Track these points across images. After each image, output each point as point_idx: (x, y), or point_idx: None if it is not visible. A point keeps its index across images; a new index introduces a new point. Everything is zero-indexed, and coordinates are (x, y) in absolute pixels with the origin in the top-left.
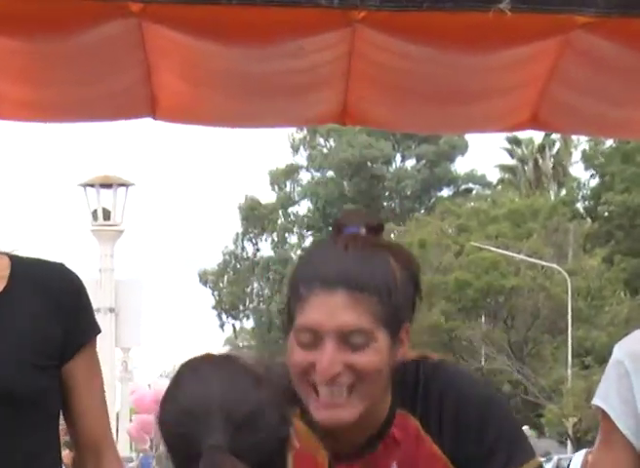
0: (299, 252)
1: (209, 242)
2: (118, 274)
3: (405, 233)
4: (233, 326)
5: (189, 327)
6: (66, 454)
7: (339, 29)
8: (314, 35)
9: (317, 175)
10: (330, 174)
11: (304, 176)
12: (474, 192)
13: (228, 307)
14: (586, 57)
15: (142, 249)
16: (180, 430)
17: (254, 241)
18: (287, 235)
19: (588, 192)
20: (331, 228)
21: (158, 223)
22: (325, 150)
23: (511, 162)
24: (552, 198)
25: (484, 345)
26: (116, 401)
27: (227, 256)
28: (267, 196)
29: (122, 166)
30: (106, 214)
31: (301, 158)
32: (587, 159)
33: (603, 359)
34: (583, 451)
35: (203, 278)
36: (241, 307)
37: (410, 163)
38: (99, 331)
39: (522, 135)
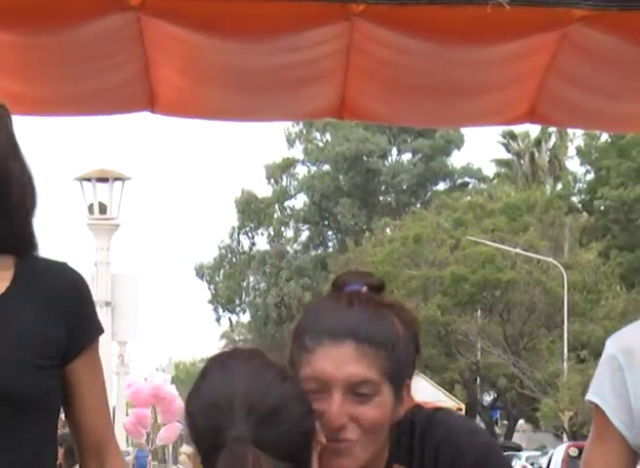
0: (295, 245)
1: (205, 236)
2: (114, 268)
3: (401, 227)
4: (230, 319)
5: (186, 320)
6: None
7: (337, 23)
8: (313, 29)
9: (313, 168)
10: (326, 167)
11: (301, 170)
12: (470, 186)
13: (225, 301)
14: (584, 50)
15: (139, 243)
16: (204, 422)
17: (250, 235)
18: (283, 229)
19: (584, 186)
20: (331, 286)
21: (154, 217)
22: (321, 144)
23: (507, 156)
24: (548, 192)
25: (480, 339)
26: (112, 395)
27: (224, 250)
28: (263, 190)
29: (118, 160)
30: (102, 208)
31: (297, 152)
32: (582, 155)
33: (599, 353)
34: (564, 446)
35: (199, 272)
36: (237, 301)
37: (406, 157)
38: (102, 332)
39: (518, 128)
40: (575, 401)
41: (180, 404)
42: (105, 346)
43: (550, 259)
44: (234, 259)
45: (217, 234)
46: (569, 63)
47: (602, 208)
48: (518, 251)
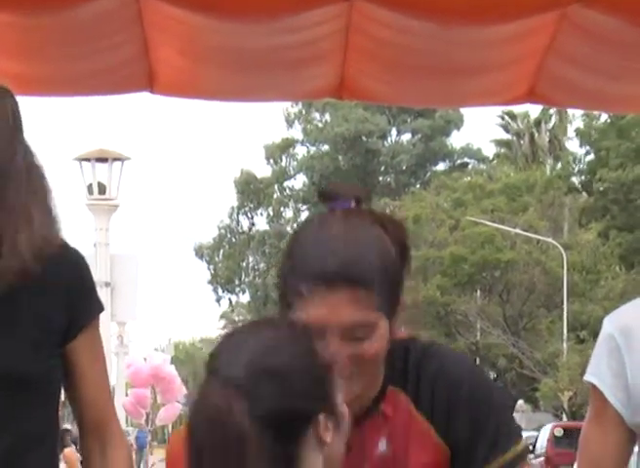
0: (294, 225)
1: (204, 216)
2: (113, 248)
3: (400, 208)
4: (229, 300)
5: (185, 301)
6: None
7: (336, 3)
8: (312, 9)
9: (313, 149)
10: (325, 148)
11: (300, 151)
12: (470, 166)
13: (224, 281)
14: (584, 31)
15: (138, 223)
16: (208, 363)
17: (249, 215)
18: (282, 209)
19: (584, 166)
20: (319, 198)
21: (154, 197)
22: (320, 124)
23: (507, 136)
24: (548, 172)
25: (479, 319)
26: (112, 375)
27: (223, 230)
28: (263, 170)
29: (118, 140)
30: (102, 189)
31: (297, 132)
32: (582, 135)
33: (598, 333)
34: (549, 426)
35: (199, 252)
36: (237, 281)
37: (405, 137)
38: (102, 309)
39: (518, 109)
40: (574, 381)
41: (179, 384)
42: (105, 327)
43: (550, 240)
44: (234, 240)
45: (216, 214)
46: (568, 44)
47: (601, 188)
48: (518, 231)
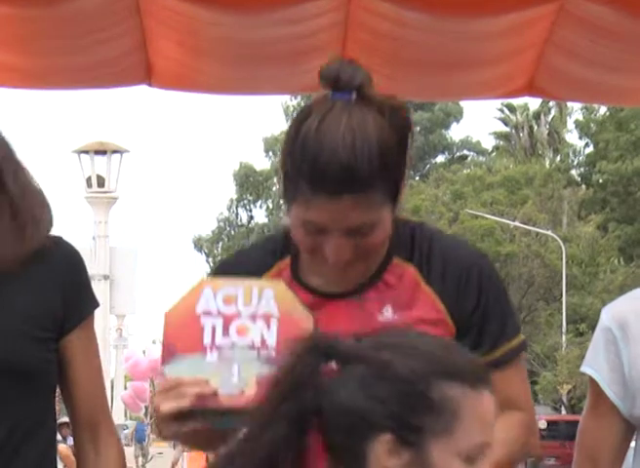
0: None
1: (203, 209)
2: (112, 241)
3: None
4: None
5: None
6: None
7: None
8: (311, 1)
9: None
10: None
11: None
12: (469, 159)
13: None
14: (582, 23)
15: (137, 216)
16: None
17: (248, 207)
18: (281, 202)
19: (583, 159)
20: (320, 80)
21: (152, 190)
22: None
23: (506, 129)
24: (547, 165)
25: None
26: (111, 368)
27: (222, 223)
28: (262, 163)
29: (116, 132)
30: (101, 181)
31: None
32: (581, 128)
33: None
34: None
35: (197, 244)
36: None
37: None
38: (97, 306)
39: (517, 101)
40: (573, 374)
41: None
42: (104, 320)
43: (549, 232)
44: (232, 232)
45: (215, 207)
46: (567, 36)
47: (600, 181)
48: (517, 224)
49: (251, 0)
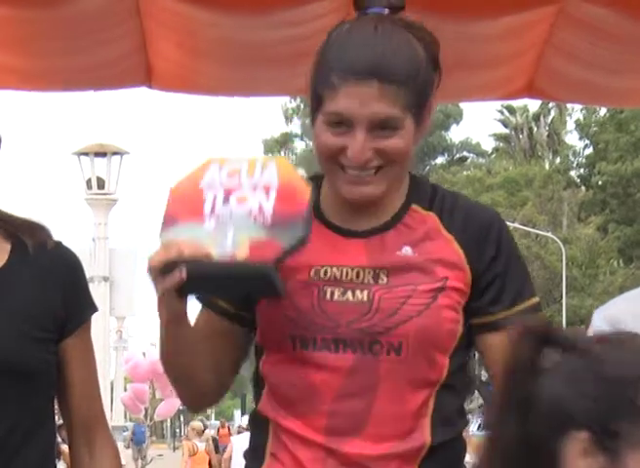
0: None
1: None
2: (112, 243)
3: None
4: None
5: None
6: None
7: None
8: (311, 3)
9: (311, 144)
10: None
11: (298, 145)
12: (469, 160)
13: None
14: (581, 25)
15: (136, 217)
16: None
17: None
18: None
19: (583, 160)
20: (353, 4)
21: (153, 192)
22: None
23: (506, 130)
24: (547, 166)
25: None
26: (110, 370)
27: None
28: None
29: (116, 134)
30: (100, 183)
31: (295, 127)
32: (581, 129)
33: None
34: None
35: None
36: None
37: None
38: (95, 310)
39: (517, 103)
40: None
41: None
42: (104, 321)
43: (549, 234)
44: None
45: None
46: (567, 38)
47: (600, 182)
48: (516, 225)
49: (251, 2)
